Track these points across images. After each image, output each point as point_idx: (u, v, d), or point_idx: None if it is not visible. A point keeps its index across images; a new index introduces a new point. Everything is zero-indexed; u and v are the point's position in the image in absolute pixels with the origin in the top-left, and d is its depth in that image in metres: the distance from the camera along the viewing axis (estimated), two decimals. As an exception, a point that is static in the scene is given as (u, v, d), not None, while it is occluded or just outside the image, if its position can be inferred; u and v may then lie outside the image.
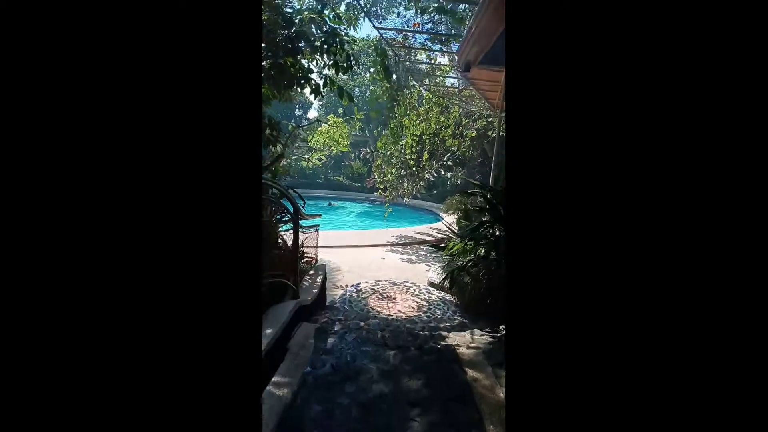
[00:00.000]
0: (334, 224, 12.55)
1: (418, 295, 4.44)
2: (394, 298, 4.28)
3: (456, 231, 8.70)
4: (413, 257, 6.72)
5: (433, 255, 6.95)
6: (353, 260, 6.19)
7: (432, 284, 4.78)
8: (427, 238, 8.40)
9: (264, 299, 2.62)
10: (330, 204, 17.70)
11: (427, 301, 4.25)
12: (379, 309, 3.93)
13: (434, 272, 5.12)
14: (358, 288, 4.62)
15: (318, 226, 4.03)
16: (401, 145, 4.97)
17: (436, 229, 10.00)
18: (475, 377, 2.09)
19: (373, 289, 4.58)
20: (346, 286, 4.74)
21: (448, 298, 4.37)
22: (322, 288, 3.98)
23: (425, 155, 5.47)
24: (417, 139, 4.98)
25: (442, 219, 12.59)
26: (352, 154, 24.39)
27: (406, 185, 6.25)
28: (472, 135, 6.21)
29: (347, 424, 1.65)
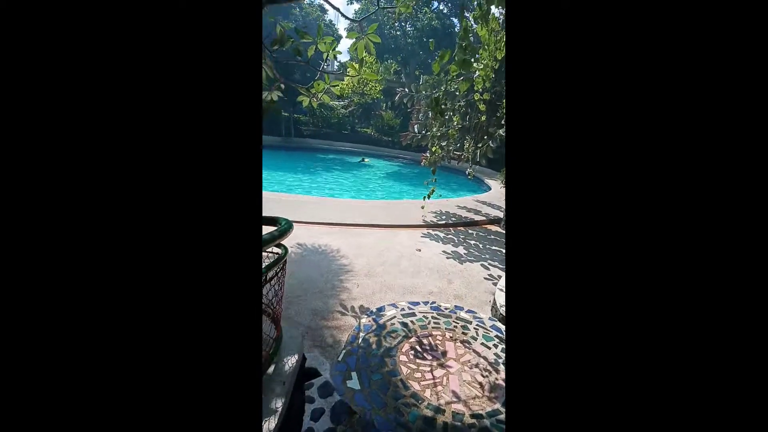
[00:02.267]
0: (358, 188, 10.61)
1: (485, 345, 2.50)
2: (444, 353, 2.36)
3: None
4: (461, 249, 4.70)
5: (492, 245, 4.88)
6: (376, 252, 4.26)
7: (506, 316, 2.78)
8: (476, 218, 6.27)
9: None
10: (363, 160, 15.73)
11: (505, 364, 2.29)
12: (417, 383, 2.05)
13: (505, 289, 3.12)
14: (381, 319, 2.73)
15: (284, 255, 1.62)
16: (470, 76, 2.73)
17: (485, 202, 7.80)
18: None
19: (406, 327, 2.66)
20: (361, 310, 2.87)
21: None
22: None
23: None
24: (497, 67, 2.67)
25: (488, 188, 10.27)
26: (384, 104, 21.57)
27: (468, 145, 4.01)
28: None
29: None
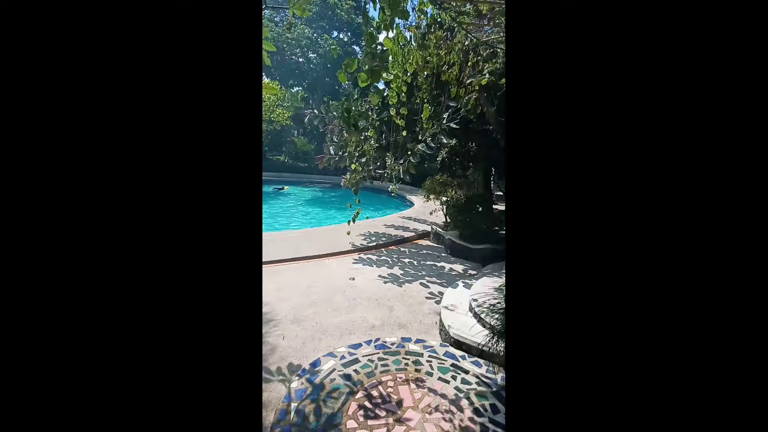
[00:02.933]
0: (279, 219, 9.73)
1: (442, 379, 2.17)
2: (400, 402, 1.95)
3: (446, 223, 6.66)
4: (397, 270, 4.42)
5: (426, 260, 4.72)
6: (303, 289, 3.69)
7: (461, 343, 2.52)
8: (406, 234, 6.15)
9: None
10: (280, 189, 14.67)
11: (474, 412, 2.00)
12: (373, 458, 1.59)
13: (456, 309, 2.88)
14: (317, 377, 2.20)
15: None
16: (380, 90, 2.55)
17: (411, 218, 7.82)
18: None
19: (349, 380, 2.19)
20: (291, 370, 2.29)
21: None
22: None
23: (425, 112, 3.07)
24: (408, 81, 2.55)
25: (411, 204, 10.47)
26: (295, 131, 20.99)
27: (390, 162, 3.80)
28: (483, 83, 3.92)
29: None
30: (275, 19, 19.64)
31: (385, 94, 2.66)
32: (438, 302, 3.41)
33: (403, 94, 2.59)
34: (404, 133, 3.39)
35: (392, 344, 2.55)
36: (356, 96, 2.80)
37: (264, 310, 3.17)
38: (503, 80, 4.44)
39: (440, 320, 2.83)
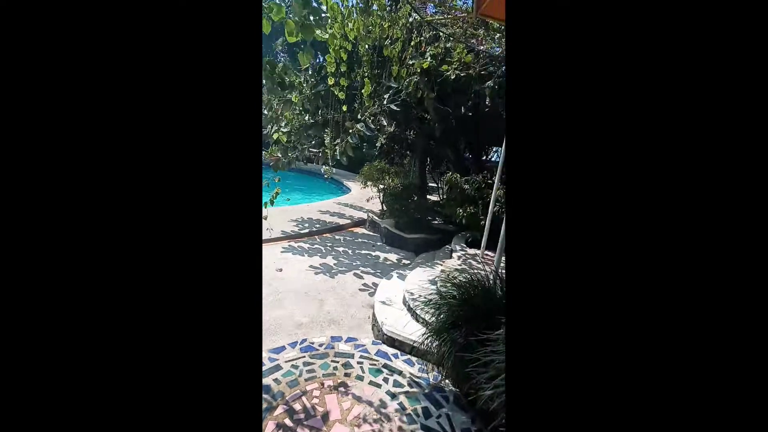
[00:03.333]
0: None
1: (374, 383, 2.00)
2: (326, 415, 1.73)
3: (383, 212, 6.45)
4: (330, 259, 4.15)
5: (361, 249, 4.52)
6: (220, 282, 3.21)
7: (393, 340, 2.38)
8: (341, 221, 5.88)
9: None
10: None
11: (406, 418, 1.88)
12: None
13: (391, 304, 2.73)
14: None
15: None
16: (316, 65, 2.19)
17: (348, 204, 7.53)
18: None
19: (269, 393, 1.90)
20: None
21: (446, 389, 2.07)
22: None
23: (366, 87, 2.77)
24: (349, 48, 2.24)
25: (348, 190, 10.14)
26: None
27: (328, 140, 3.42)
28: (425, 66, 3.75)
29: None
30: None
31: (320, 60, 2.30)
32: (372, 294, 3.25)
33: (343, 62, 2.26)
34: (344, 108, 3.06)
35: (320, 345, 2.31)
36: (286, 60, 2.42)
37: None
38: (444, 66, 4.35)
39: (373, 314, 2.67)
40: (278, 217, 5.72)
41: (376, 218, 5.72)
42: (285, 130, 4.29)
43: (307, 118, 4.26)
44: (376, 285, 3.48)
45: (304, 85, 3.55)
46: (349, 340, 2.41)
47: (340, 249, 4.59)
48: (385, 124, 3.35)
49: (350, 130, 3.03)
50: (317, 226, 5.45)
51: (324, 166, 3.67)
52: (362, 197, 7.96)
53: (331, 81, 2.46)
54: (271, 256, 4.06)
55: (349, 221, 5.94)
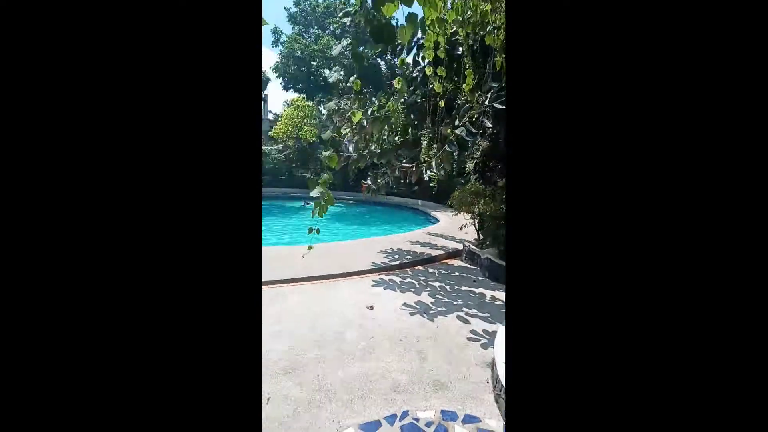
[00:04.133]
0: (300, 234, 9.13)
1: None
2: None
3: (481, 240, 5.62)
4: (426, 296, 3.51)
5: (460, 285, 3.77)
6: (308, 321, 2.86)
7: None
8: (434, 252, 5.23)
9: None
10: (304, 204, 14.41)
11: None
12: None
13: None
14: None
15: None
16: (408, 73, 1.79)
17: (439, 234, 6.88)
18: None
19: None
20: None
21: None
22: None
23: (467, 79, 2.25)
24: (448, 34, 1.75)
25: (436, 220, 9.50)
26: (322, 148, 20.92)
27: (425, 148, 2.93)
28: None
29: None
30: (303, 33, 19.84)
31: (412, 67, 1.89)
32: (486, 346, 2.47)
33: (441, 47, 1.78)
34: (441, 104, 2.56)
35: (428, 425, 1.64)
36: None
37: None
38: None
39: (494, 378, 1.90)
40: (365, 248, 5.42)
41: (474, 248, 4.92)
42: (374, 150, 4.05)
43: (396, 138, 3.93)
44: (488, 333, 2.69)
45: (394, 98, 3.24)
46: (469, 420, 1.69)
47: (436, 284, 3.93)
48: (489, 125, 2.70)
49: (449, 138, 2.48)
50: (408, 257, 4.93)
51: (416, 186, 3.16)
52: (453, 227, 7.22)
53: (428, 71, 2.00)
54: (361, 290, 3.65)
55: (442, 252, 5.27)
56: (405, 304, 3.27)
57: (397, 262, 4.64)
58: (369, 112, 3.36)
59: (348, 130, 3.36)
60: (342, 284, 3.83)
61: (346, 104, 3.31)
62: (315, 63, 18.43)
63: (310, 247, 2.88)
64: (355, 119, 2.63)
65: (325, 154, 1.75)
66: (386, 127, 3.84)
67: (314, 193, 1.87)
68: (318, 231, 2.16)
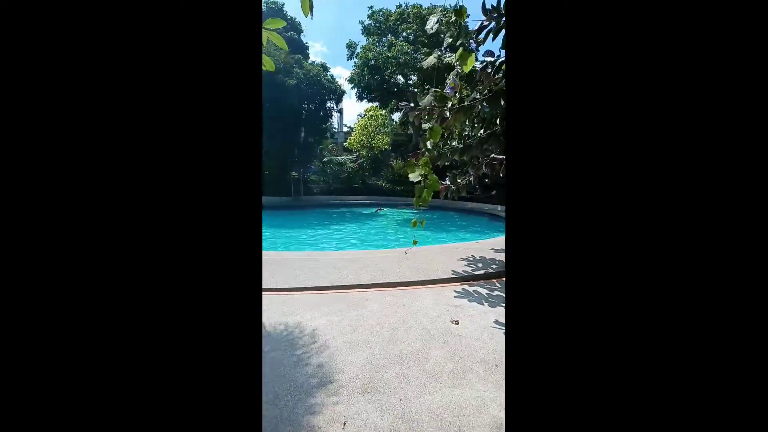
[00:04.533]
0: (373, 239, 9.15)
1: None
2: None
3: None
4: (522, 314, 2.95)
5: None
6: (387, 332, 2.58)
7: None
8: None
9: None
10: (378, 210, 14.71)
11: None
12: None
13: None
14: None
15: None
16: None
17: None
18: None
19: None
20: None
21: None
22: None
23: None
24: None
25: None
26: (394, 156, 21.09)
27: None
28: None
29: None
30: (377, 43, 20.34)
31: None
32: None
33: None
34: None
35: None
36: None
37: (328, 362, 2.17)
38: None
39: None
40: (444, 254, 4.99)
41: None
42: (456, 146, 3.66)
43: (482, 131, 3.48)
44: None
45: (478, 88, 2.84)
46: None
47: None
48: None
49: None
50: (494, 266, 4.36)
51: (494, 191, 2.73)
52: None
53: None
54: (442, 300, 3.26)
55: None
56: (497, 322, 2.78)
57: (482, 272, 4.12)
58: (450, 104, 3.02)
59: (430, 123, 3.05)
60: (421, 293, 3.49)
61: (449, 56, 3.00)
62: (388, 71, 18.75)
63: (414, 242, 3.15)
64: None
65: (426, 126, 1.46)
66: (468, 120, 3.44)
67: (414, 177, 1.61)
68: (423, 223, 1.99)
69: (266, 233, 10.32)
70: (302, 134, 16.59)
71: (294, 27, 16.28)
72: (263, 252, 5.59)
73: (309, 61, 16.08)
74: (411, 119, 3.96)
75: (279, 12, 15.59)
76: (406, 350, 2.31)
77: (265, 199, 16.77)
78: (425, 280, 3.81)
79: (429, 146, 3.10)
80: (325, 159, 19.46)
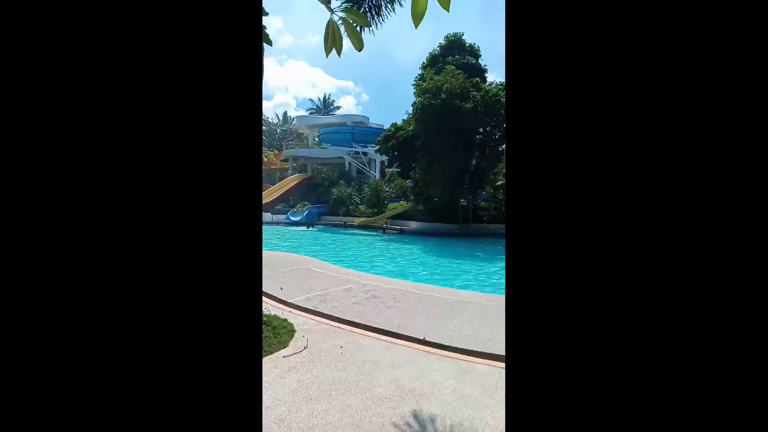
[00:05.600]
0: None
1: None
2: None
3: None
4: None
5: None
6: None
7: None
8: None
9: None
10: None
11: None
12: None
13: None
14: None
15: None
16: None
17: None
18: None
19: None
20: None
21: None
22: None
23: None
24: None
25: None
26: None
27: None
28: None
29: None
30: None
31: None
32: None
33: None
34: None
35: None
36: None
37: None
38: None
39: None
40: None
41: None
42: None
43: None
44: None
45: None
46: None
47: None
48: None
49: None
50: None
51: None
52: None
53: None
54: None
55: None
56: None
57: None
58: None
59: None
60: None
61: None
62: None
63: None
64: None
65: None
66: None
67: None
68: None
69: (430, 260, 9.99)
70: (474, 159, 15.90)
71: (473, 53, 16.17)
72: (438, 288, 4.84)
73: (487, 83, 15.40)
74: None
75: (459, 41, 15.94)
76: None
77: (426, 225, 16.93)
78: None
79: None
80: (498, 183, 17.94)
